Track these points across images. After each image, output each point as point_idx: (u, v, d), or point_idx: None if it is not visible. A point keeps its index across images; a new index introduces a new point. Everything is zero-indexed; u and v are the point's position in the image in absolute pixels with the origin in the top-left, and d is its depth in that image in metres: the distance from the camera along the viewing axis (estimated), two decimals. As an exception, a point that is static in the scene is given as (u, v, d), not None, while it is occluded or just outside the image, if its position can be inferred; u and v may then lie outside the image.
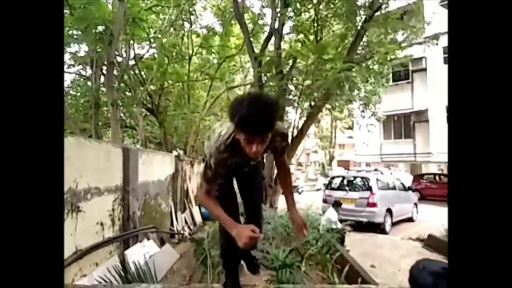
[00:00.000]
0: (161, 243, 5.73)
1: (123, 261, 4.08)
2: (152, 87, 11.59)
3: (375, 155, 17.42)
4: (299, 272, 2.54)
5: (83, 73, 10.72)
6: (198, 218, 8.86)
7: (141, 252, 4.53)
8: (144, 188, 5.54)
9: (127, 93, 11.34)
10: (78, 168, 3.39)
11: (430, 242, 6.61)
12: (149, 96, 12.07)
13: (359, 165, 19.59)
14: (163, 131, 13.15)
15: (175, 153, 12.81)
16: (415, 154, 15.94)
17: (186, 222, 8.16)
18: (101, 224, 4.00)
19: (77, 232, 3.41)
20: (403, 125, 16.62)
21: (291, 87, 8.94)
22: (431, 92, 14.96)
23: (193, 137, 12.65)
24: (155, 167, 6.27)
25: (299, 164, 39.11)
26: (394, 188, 9.40)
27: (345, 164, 30.96)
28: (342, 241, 5.59)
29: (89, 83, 10.73)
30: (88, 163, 3.64)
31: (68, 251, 3.24)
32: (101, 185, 3.96)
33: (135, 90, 10.96)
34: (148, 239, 5.27)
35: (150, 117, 13.88)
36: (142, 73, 11.11)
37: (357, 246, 6.40)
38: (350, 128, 25.16)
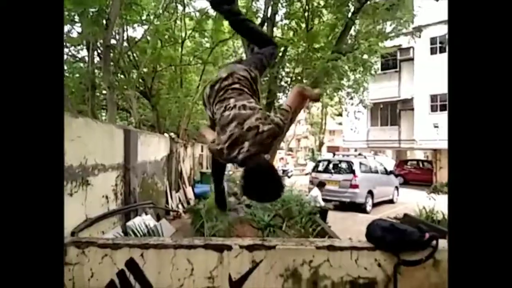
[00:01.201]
0: (158, 218, 6.18)
1: (125, 232, 4.54)
2: (145, 69, 11.73)
3: (362, 141, 18.07)
4: (280, 231, 3.03)
5: (77, 54, 10.81)
6: (191, 197, 9.31)
7: (140, 225, 4.98)
8: (142, 168, 5.93)
9: (120, 75, 11.48)
10: (87, 146, 3.77)
11: (405, 220, 7.23)
12: (142, 79, 12.20)
13: (348, 150, 20.24)
14: (155, 114, 13.39)
15: (167, 135, 13.09)
16: (399, 141, 16.64)
17: (180, 200, 8.62)
18: (106, 197, 4.41)
19: (87, 203, 3.82)
20: (389, 112, 17.23)
21: (283, 73, 9.30)
22: (418, 81, 15.50)
23: (185, 121, 12.92)
24: (152, 148, 6.65)
25: (290, 150, 39.79)
26: (376, 172, 10.01)
27: (334, 149, 31.64)
28: (324, 217, 6.16)
29: (81, 64, 10.85)
30: (95, 142, 4.01)
31: (80, 218, 3.66)
32: (106, 163, 4.35)
33: (129, 73, 11.12)
34: (146, 214, 5.71)
35: (142, 99, 14.03)
36: (135, 55, 11.23)
37: (338, 223, 7.00)
38: (340, 114, 25.68)
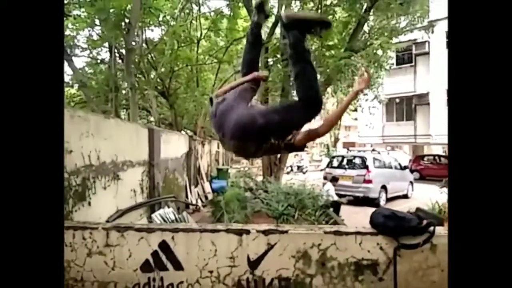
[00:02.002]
0: (178, 211, 6.60)
1: (150, 222, 4.95)
2: (162, 70, 12.19)
3: (378, 136, 18.01)
4: (293, 220, 3.33)
5: (97, 56, 11.36)
6: (209, 192, 9.72)
7: (164, 217, 5.38)
8: (165, 164, 6.34)
9: (140, 76, 12.00)
10: (117, 144, 4.17)
11: (417, 213, 7.37)
12: (160, 79, 12.67)
13: (364, 146, 20.21)
14: (173, 112, 13.89)
15: (185, 133, 13.56)
16: (415, 136, 16.50)
17: (198, 195, 9.04)
18: (134, 191, 4.83)
19: (117, 196, 4.24)
20: (405, 107, 17.08)
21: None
22: (433, 76, 15.31)
23: (202, 119, 13.34)
24: (173, 146, 7.06)
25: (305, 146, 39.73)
26: (390, 167, 10.10)
27: (350, 145, 31.47)
28: (337, 211, 6.40)
29: (101, 66, 11.40)
30: (124, 140, 4.42)
31: (112, 209, 4.07)
32: (133, 159, 4.76)
33: (148, 74, 11.60)
34: (169, 207, 6.12)
35: (160, 99, 14.51)
36: (153, 57, 11.69)
37: (351, 217, 7.21)
38: (356, 110, 25.53)
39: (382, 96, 12.37)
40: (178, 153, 7.57)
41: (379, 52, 9.36)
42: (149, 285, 2.56)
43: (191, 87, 13.59)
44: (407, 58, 16.15)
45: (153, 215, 5.25)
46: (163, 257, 2.54)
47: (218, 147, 18.77)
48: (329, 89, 10.33)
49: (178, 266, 2.53)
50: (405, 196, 10.68)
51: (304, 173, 19.46)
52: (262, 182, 6.77)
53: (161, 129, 7.21)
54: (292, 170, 18.41)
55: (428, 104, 15.73)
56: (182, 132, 14.09)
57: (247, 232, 2.55)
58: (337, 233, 2.51)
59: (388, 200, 9.63)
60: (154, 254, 2.55)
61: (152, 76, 11.61)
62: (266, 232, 2.54)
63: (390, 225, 2.46)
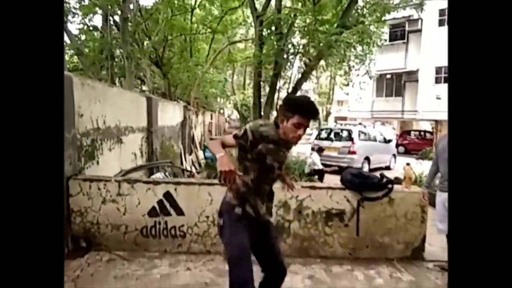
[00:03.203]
0: (174, 177, 7.09)
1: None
2: (156, 38, 12.17)
3: (367, 111, 18.50)
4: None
5: (90, 23, 11.24)
6: (202, 160, 10.20)
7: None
8: (161, 131, 6.73)
9: (134, 45, 11.99)
10: (120, 111, 4.53)
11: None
12: (154, 48, 12.66)
13: (355, 120, 20.75)
14: (167, 82, 14.01)
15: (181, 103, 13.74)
16: (402, 112, 17.03)
17: (192, 163, 9.52)
18: (135, 154, 5.25)
19: (121, 157, 4.66)
20: (394, 83, 17.46)
21: (289, 46, 9.70)
22: (424, 53, 15.58)
23: (196, 89, 13.53)
24: (169, 115, 7.41)
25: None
26: (374, 140, 10.68)
27: (342, 119, 32.02)
28: (321, 178, 6.97)
29: (94, 33, 11.34)
30: (125, 107, 4.77)
31: (116, 169, 4.51)
32: (134, 125, 5.13)
33: (142, 43, 11.61)
34: (165, 171, 6.59)
35: (153, 68, 14.52)
36: (147, 25, 11.63)
37: (334, 184, 7.83)
38: (348, 85, 25.77)
39: (373, 71, 12.70)
40: (174, 122, 7.94)
41: (372, 28, 9.56)
42: (155, 227, 3.07)
43: (185, 57, 13.63)
44: (400, 34, 16.29)
45: (151, 178, 5.73)
46: (167, 205, 3.03)
47: (211, 118, 19.10)
48: (322, 62, 10.58)
49: (180, 212, 3.04)
50: (388, 168, 11.35)
51: (295, 144, 20.03)
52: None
53: (158, 98, 7.50)
54: (283, 142, 18.95)
55: (417, 81, 16.13)
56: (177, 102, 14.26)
57: (238, 186, 3.04)
58: (312, 187, 3.02)
59: (371, 170, 10.25)
60: (160, 202, 3.04)
61: (146, 45, 11.63)
62: (253, 186, 3.04)
63: (356, 181, 2.97)
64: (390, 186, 2.99)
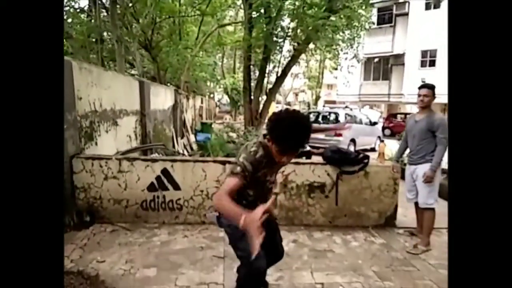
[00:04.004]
0: (168, 158, 7.33)
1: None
2: (145, 21, 12.06)
3: (355, 95, 18.90)
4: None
5: (76, 5, 11.05)
6: (194, 144, 10.44)
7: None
8: (154, 115, 6.91)
9: (123, 28, 11.87)
10: (115, 94, 4.71)
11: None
12: (142, 31, 12.54)
13: (344, 104, 21.14)
14: (156, 66, 13.97)
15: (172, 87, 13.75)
16: (389, 95, 17.47)
17: (184, 146, 9.75)
18: (129, 136, 5.47)
19: (117, 139, 4.88)
20: (382, 67, 17.81)
21: (278, 29, 9.81)
22: (410, 37, 15.88)
23: (186, 73, 13.54)
24: (160, 98, 7.57)
25: (288, 104, 40.52)
26: (360, 122, 11.06)
27: (331, 103, 32.37)
28: (309, 159, 7.33)
29: (82, 15, 11.19)
30: (119, 91, 4.95)
31: (113, 150, 4.73)
32: (128, 108, 5.32)
33: (131, 26, 11.51)
34: (158, 154, 6.83)
35: (141, 51, 14.40)
36: (135, 8, 11.49)
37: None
38: (337, 69, 25.94)
39: (361, 55, 12.94)
40: (165, 106, 8.11)
41: (360, 11, 9.72)
42: (154, 201, 3.36)
43: (174, 40, 13.54)
44: (387, 18, 16.50)
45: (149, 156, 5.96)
46: (165, 180, 3.32)
47: (201, 102, 19.17)
48: (311, 46, 10.74)
49: (176, 187, 3.33)
50: (373, 149, 11.80)
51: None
52: (244, 133, 7.52)
53: (150, 82, 7.63)
54: (273, 126, 19.27)
55: (403, 64, 16.50)
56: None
57: (229, 162, 3.34)
58: (296, 163, 3.34)
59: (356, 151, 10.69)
60: (158, 178, 3.31)
61: (135, 28, 11.54)
62: (243, 163, 3.34)
63: (335, 157, 3.31)
64: (365, 161, 3.34)
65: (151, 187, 3.33)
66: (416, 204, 3.13)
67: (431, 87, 3.02)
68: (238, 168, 1.52)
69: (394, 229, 3.48)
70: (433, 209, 2.99)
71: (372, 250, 2.97)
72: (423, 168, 2.96)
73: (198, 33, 14.40)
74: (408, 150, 3.23)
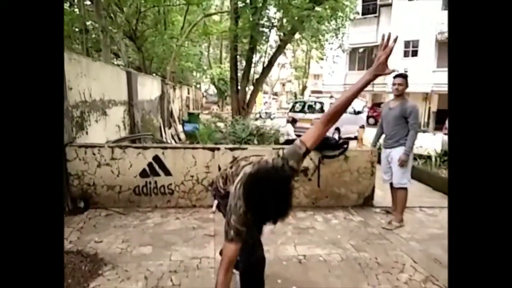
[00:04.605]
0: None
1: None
2: (130, 11, 11.90)
3: (340, 85, 19.20)
4: (252, 144, 4.37)
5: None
6: (181, 134, 10.53)
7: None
8: (141, 105, 6.98)
9: (107, 18, 11.68)
10: (103, 85, 4.78)
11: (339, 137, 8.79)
12: (127, 21, 12.38)
13: (330, 93, 21.46)
14: (141, 56, 13.84)
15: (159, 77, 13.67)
16: (373, 85, 17.82)
17: (172, 136, 9.84)
18: (118, 126, 5.55)
19: (106, 129, 4.97)
20: (367, 57, 18.14)
21: (264, 19, 9.89)
22: (394, 27, 16.20)
23: (172, 63, 13.48)
24: (147, 89, 7.61)
25: (275, 94, 40.69)
26: (345, 112, 11.38)
27: (318, 93, 32.72)
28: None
29: (65, 5, 10.96)
30: (107, 81, 5.01)
31: (103, 139, 4.83)
32: (116, 99, 5.39)
33: (115, 15, 11.36)
34: (146, 143, 6.93)
35: (125, 40, 14.20)
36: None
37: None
38: (322, 59, 26.17)
39: (346, 45, 13.15)
40: (153, 96, 8.16)
41: (344, 1, 9.88)
42: (146, 187, 3.52)
43: (159, 30, 13.42)
44: (372, 8, 16.75)
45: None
46: (156, 167, 3.48)
47: (188, 93, 19.11)
48: (297, 36, 10.87)
49: (167, 173, 3.50)
50: (356, 138, 12.18)
51: (272, 119, 20.56)
52: (231, 122, 7.68)
53: (137, 72, 7.65)
54: (260, 116, 19.40)
55: (387, 54, 16.85)
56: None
57: (218, 149, 3.53)
58: (281, 149, 3.55)
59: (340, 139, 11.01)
60: (149, 164, 3.47)
61: (119, 18, 11.38)
62: (231, 149, 3.54)
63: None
64: (345, 146, 3.58)
65: (143, 173, 3.49)
66: (391, 184, 3.41)
67: (405, 76, 3.27)
68: (232, 233, 1.43)
69: (372, 208, 3.76)
70: (406, 189, 3.28)
71: (351, 226, 3.24)
72: (397, 151, 3.23)
73: (183, 22, 14.30)
74: (384, 136, 3.48)
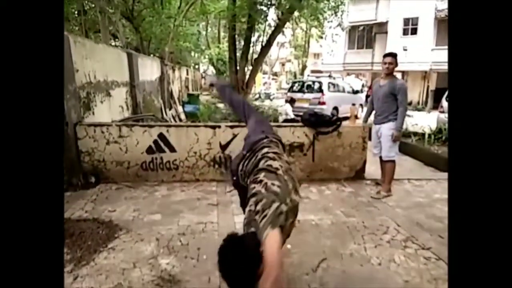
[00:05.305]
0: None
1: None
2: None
3: (339, 64, 19.17)
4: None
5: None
6: (182, 116, 10.71)
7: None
8: (142, 86, 7.13)
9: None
10: (106, 66, 4.94)
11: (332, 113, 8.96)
12: (123, 1, 12.24)
13: (329, 73, 21.42)
14: (139, 36, 13.76)
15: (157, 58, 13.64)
16: (372, 63, 17.82)
17: (173, 117, 10.02)
18: (121, 107, 5.75)
19: (110, 109, 5.17)
20: (366, 35, 18.01)
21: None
22: (393, 5, 16.01)
23: (170, 44, 13.42)
24: (148, 70, 7.74)
25: (274, 74, 40.36)
26: (343, 91, 11.50)
27: (317, 73, 32.49)
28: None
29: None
30: (110, 63, 5.16)
31: (108, 119, 5.04)
32: (118, 80, 5.56)
33: (112, -5, 11.22)
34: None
35: (123, 21, 14.06)
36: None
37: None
38: (322, 37, 25.79)
39: (345, 23, 13.06)
40: (153, 77, 8.28)
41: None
42: (153, 162, 3.78)
43: (157, 9, 13.27)
44: (372, -15, 16.48)
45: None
46: (162, 144, 3.72)
47: (187, 74, 19.08)
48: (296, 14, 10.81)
49: (172, 149, 3.74)
50: (356, 117, 12.36)
51: (271, 100, 20.63)
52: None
53: (137, 54, 7.74)
54: (260, 97, 19.48)
55: (386, 32, 16.73)
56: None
57: (219, 126, 3.76)
58: (278, 126, 3.79)
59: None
60: (155, 141, 3.71)
61: (115, -2, 11.25)
62: (232, 127, 3.76)
63: (312, 120, 3.76)
64: (338, 122, 3.81)
65: (149, 150, 3.73)
66: (381, 158, 3.66)
67: (395, 56, 3.45)
68: None
69: (363, 180, 4.04)
70: (394, 161, 3.53)
71: (342, 196, 3.53)
72: (386, 127, 3.46)
73: (180, 1, 14.12)
74: (374, 112, 3.70)
